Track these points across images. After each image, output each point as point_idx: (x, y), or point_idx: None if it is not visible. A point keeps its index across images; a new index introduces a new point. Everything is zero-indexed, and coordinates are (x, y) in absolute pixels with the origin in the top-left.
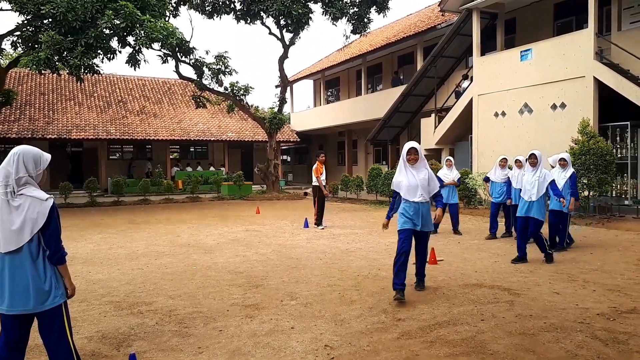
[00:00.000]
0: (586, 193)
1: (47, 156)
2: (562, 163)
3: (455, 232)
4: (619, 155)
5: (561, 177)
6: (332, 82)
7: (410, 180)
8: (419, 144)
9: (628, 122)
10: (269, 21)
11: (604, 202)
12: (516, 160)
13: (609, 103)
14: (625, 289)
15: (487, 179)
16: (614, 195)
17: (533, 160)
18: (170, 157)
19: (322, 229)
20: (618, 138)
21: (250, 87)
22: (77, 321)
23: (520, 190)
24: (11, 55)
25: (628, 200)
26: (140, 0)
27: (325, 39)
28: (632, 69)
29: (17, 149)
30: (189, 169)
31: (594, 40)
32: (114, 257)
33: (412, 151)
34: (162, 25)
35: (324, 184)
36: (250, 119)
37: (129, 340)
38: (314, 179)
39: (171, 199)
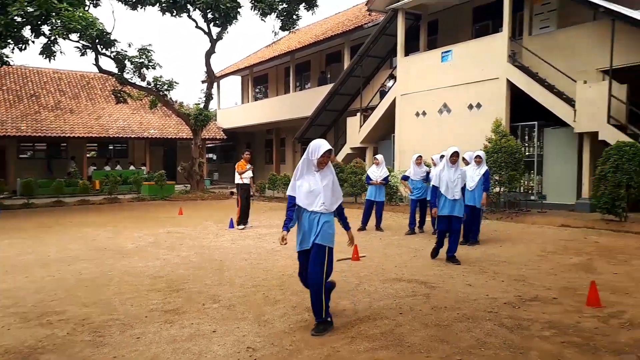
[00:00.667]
0: (497, 189)
1: None
2: (478, 160)
3: (377, 228)
4: (527, 153)
5: (476, 174)
6: (260, 79)
7: (311, 184)
8: (345, 142)
9: (535, 122)
10: (196, 14)
11: (513, 197)
12: (431, 158)
13: (519, 103)
14: (529, 279)
15: (405, 178)
16: (522, 191)
17: (454, 158)
18: (88, 155)
19: (242, 229)
20: (527, 137)
21: (175, 82)
22: None
23: (436, 187)
24: None
25: (534, 196)
26: None
27: (254, 35)
28: (540, 72)
29: None
30: (107, 168)
31: (508, 43)
32: (22, 264)
33: (327, 153)
34: (81, 14)
35: (247, 182)
36: (174, 116)
37: (35, 353)
38: (236, 177)
39: (87, 200)
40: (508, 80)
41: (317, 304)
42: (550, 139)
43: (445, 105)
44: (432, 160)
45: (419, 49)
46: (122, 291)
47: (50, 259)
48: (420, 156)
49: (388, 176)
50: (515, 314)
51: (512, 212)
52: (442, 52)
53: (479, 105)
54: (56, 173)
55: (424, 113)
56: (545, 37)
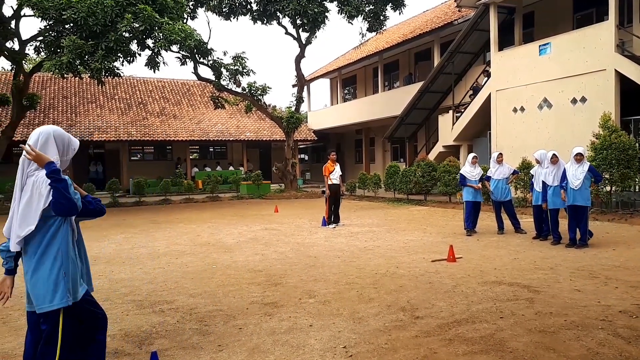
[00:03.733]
0: (608, 188)
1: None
2: (578, 158)
3: (473, 229)
4: None
5: (579, 172)
6: (348, 80)
7: None
8: (437, 140)
9: None
10: (285, 21)
11: (626, 197)
12: (553, 155)
13: (631, 96)
14: None
15: (487, 178)
16: (637, 190)
17: (579, 157)
18: (191, 157)
19: (333, 227)
20: None
21: (268, 87)
22: None
23: (545, 188)
24: (34, 59)
25: None
26: (158, 4)
27: (341, 37)
28: None
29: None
30: (207, 169)
31: (615, 32)
32: (136, 257)
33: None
34: (180, 27)
35: (336, 181)
36: (268, 119)
37: (150, 338)
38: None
39: (191, 198)
40: (617, 72)
41: None
42: None
43: (546, 100)
44: (555, 156)
45: (514, 42)
46: (225, 284)
47: (160, 252)
48: (500, 154)
49: (483, 174)
50: (633, 324)
51: (625, 213)
52: (539, 45)
53: (583, 99)
54: (163, 174)
55: (522, 109)
56: None
